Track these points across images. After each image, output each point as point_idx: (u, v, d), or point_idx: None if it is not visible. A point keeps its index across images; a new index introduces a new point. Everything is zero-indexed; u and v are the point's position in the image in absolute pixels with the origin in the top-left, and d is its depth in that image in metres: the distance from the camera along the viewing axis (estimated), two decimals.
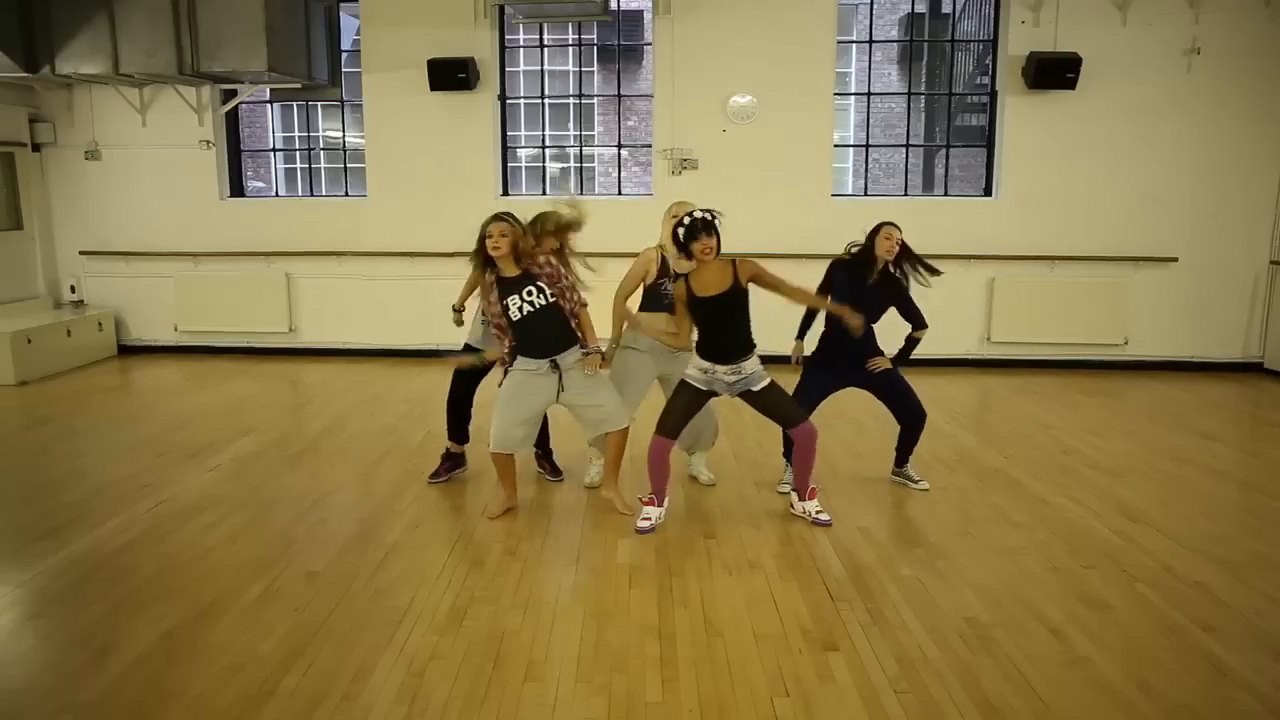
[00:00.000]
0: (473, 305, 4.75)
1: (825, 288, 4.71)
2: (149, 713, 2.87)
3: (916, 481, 4.92)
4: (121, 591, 3.70)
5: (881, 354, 4.75)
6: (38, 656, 3.24)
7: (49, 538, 4.26)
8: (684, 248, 4.13)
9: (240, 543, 4.21)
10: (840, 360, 4.71)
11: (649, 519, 4.34)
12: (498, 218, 4.25)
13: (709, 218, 4.11)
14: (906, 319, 4.72)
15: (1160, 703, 2.90)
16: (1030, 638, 3.31)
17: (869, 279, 4.61)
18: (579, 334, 4.34)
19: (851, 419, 6.41)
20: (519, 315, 4.22)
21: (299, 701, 2.91)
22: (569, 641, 3.28)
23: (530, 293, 4.20)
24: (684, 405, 4.30)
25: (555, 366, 4.30)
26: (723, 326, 4.20)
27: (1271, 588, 3.74)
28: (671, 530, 4.35)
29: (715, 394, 4.33)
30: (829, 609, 3.55)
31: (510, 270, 4.21)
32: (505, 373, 4.39)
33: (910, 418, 4.81)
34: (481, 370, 4.87)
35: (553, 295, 4.22)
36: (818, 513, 4.40)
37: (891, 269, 4.63)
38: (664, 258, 4.63)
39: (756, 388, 4.27)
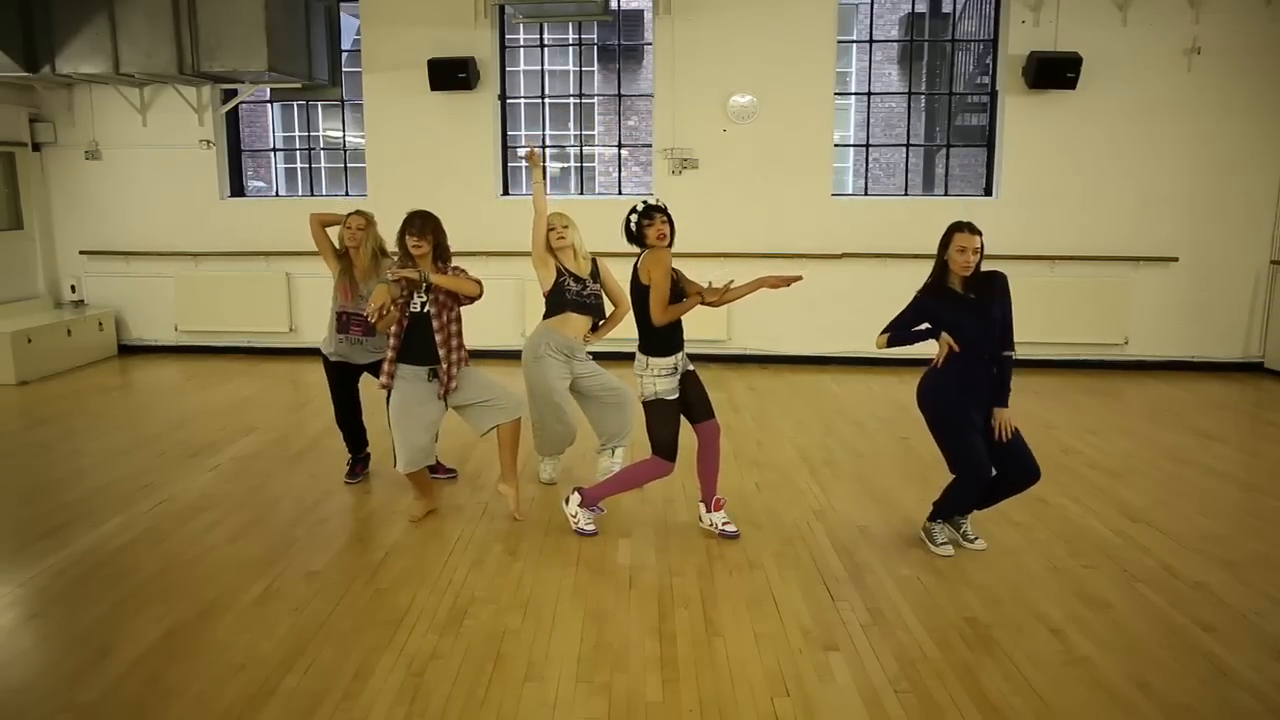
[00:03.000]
0: (322, 309, 4.96)
1: (906, 315, 4.01)
2: (149, 712, 2.87)
3: (973, 540, 4.17)
4: (122, 591, 3.71)
5: (1004, 403, 3.91)
6: (38, 656, 3.24)
7: (49, 537, 4.27)
8: (638, 238, 4.00)
9: (240, 542, 4.21)
10: (971, 395, 3.90)
11: (593, 524, 4.31)
12: (421, 217, 4.20)
13: (661, 205, 4.01)
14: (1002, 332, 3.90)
15: (1160, 703, 2.90)
16: (1030, 638, 3.32)
17: (961, 293, 3.87)
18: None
19: (852, 419, 6.41)
20: (417, 309, 4.18)
21: (299, 701, 2.91)
22: (569, 641, 3.29)
23: (427, 292, 4.18)
24: (670, 423, 4.11)
25: (434, 375, 4.26)
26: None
27: (1271, 588, 3.74)
28: (671, 530, 4.35)
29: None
30: (829, 609, 3.55)
31: (426, 268, 4.18)
32: (388, 393, 4.33)
33: (1025, 474, 3.96)
34: (354, 378, 4.98)
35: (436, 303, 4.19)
36: (725, 524, 4.27)
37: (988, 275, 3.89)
38: (559, 264, 4.72)
39: (691, 367, 4.22)
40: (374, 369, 4.71)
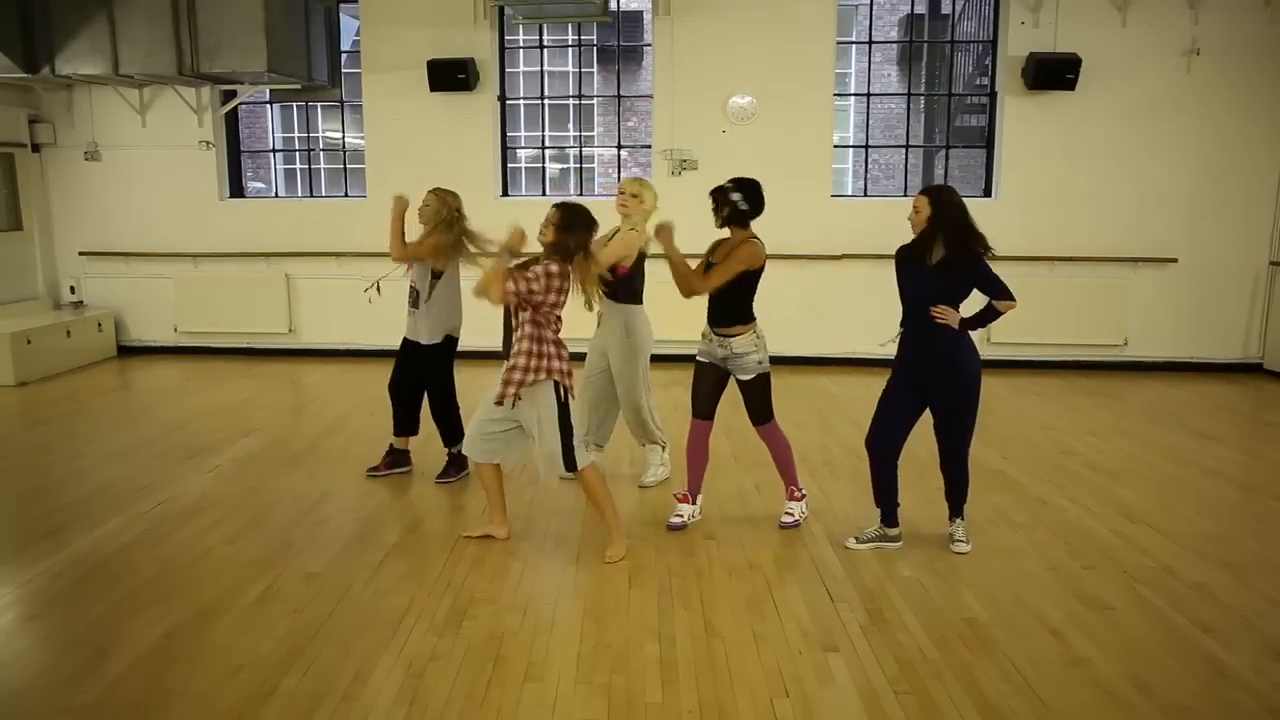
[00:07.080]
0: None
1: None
2: (149, 713, 2.87)
3: (960, 541, 4.15)
4: (121, 592, 3.70)
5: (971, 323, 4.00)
6: (37, 657, 3.24)
7: (49, 538, 4.26)
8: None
9: (240, 543, 4.21)
10: (920, 364, 4.01)
11: (681, 515, 4.38)
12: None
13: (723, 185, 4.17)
14: (989, 295, 4.00)
15: (1160, 703, 2.90)
16: (1030, 638, 3.32)
17: (927, 260, 3.93)
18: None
19: (850, 420, 6.41)
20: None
21: (299, 702, 2.91)
22: (569, 642, 3.29)
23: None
24: (707, 384, 4.33)
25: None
26: (720, 292, 4.21)
27: (1271, 588, 3.74)
28: (671, 531, 4.35)
29: (720, 367, 4.31)
30: (829, 609, 3.55)
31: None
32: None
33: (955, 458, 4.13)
34: (413, 358, 5.00)
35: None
36: (786, 514, 4.42)
37: (971, 245, 3.95)
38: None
39: (743, 378, 4.27)
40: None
